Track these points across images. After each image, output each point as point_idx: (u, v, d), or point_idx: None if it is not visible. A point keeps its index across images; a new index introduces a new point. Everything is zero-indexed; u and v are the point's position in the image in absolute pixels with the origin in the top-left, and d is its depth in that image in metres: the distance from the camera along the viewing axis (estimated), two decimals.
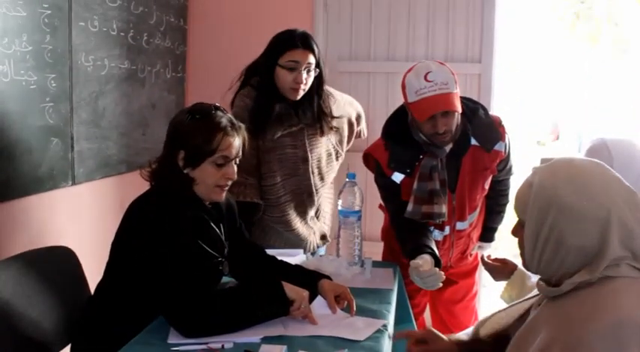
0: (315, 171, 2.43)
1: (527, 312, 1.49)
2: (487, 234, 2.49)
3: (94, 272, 2.02)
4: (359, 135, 2.66)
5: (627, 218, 1.27)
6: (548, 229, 1.32)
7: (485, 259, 2.15)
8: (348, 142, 2.59)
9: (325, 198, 2.59)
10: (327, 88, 2.50)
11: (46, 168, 2.36)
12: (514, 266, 2.05)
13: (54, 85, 2.36)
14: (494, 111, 3.03)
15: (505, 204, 2.47)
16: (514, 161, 2.36)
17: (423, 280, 1.98)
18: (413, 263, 2.00)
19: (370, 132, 2.75)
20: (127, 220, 1.79)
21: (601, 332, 1.19)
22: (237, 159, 1.82)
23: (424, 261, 2.00)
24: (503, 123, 2.24)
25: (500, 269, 2.09)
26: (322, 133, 2.41)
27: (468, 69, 3.24)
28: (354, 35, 3.40)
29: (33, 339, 1.83)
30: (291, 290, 1.71)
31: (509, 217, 2.49)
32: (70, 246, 2.10)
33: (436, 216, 2.12)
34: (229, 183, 1.82)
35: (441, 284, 2.01)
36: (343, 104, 2.55)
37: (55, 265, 2.02)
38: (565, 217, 1.30)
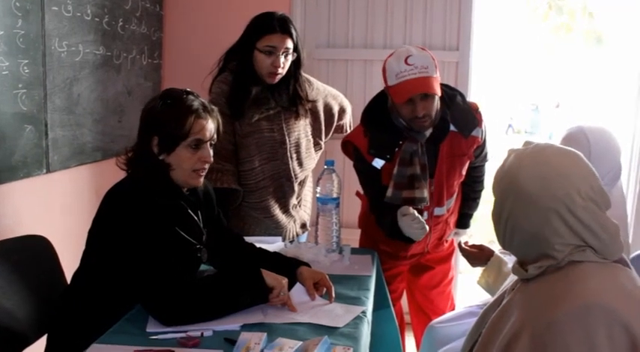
0: (294, 155, 2.42)
1: (502, 296, 1.52)
2: (463, 221, 2.51)
3: (70, 262, 2.00)
4: (341, 130, 2.65)
5: (578, 211, 1.30)
6: (507, 212, 1.37)
7: (463, 246, 2.17)
8: (327, 133, 2.58)
9: (308, 188, 2.59)
10: (308, 76, 2.50)
11: (20, 156, 2.32)
12: (491, 253, 2.08)
13: (27, 70, 2.31)
14: (472, 99, 3.05)
15: (480, 191, 2.50)
16: (489, 148, 2.39)
17: (415, 223, 2.03)
18: (404, 208, 2.04)
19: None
20: (103, 208, 1.77)
21: (569, 316, 1.22)
22: (213, 142, 1.81)
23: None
24: (480, 109, 2.27)
25: (477, 256, 2.11)
26: (298, 116, 2.41)
27: (445, 57, 3.26)
28: (331, 22, 3.39)
29: (8, 330, 1.80)
30: (269, 277, 1.71)
31: (485, 203, 2.52)
32: (45, 235, 2.07)
33: (418, 200, 2.13)
34: (206, 166, 1.81)
35: (427, 228, 2.06)
36: (325, 95, 2.54)
37: (30, 254, 1.99)
38: (520, 203, 1.34)
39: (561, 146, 1.41)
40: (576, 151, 1.39)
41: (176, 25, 3.39)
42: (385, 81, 2.10)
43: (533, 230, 1.33)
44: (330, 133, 2.61)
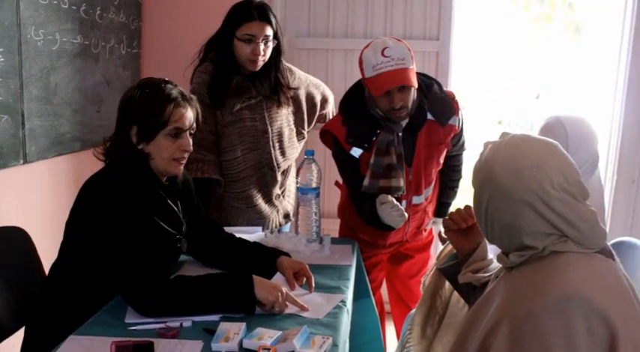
0: (276, 144, 2.42)
1: (486, 284, 1.54)
2: (441, 210, 2.53)
3: (48, 253, 1.98)
4: (324, 119, 2.65)
5: (553, 202, 1.30)
6: (485, 203, 1.38)
7: (443, 235, 2.18)
8: (310, 122, 2.58)
9: (292, 178, 2.58)
10: (290, 65, 2.50)
11: None
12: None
13: (1, 59, 2.27)
14: (452, 89, 3.05)
15: (458, 180, 2.52)
16: (467, 137, 2.41)
17: (394, 211, 2.06)
18: (382, 196, 2.06)
19: None
20: (80, 199, 1.76)
21: (548, 306, 1.23)
22: (192, 131, 1.81)
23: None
24: (457, 98, 2.29)
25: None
26: (280, 104, 2.40)
27: (426, 46, 3.26)
28: (312, 12, 3.37)
29: None
30: (261, 289, 1.63)
31: (464, 193, 2.53)
32: (22, 227, 2.05)
33: (394, 189, 2.15)
34: (185, 155, 1.80)
35: (406, 216, 2.10)
36: (307, 84, 2.54)
37: (7, 246, 1.97)
38: (496, 195, 1.35)
39: (538, 137, 1.41)
40: (553, 142, 1.39)
41: (155, 13, 3.35)
42: (362, 72, 2.11)
43: (510, 221, 1.34)
44: (313, 123, 2.61)
